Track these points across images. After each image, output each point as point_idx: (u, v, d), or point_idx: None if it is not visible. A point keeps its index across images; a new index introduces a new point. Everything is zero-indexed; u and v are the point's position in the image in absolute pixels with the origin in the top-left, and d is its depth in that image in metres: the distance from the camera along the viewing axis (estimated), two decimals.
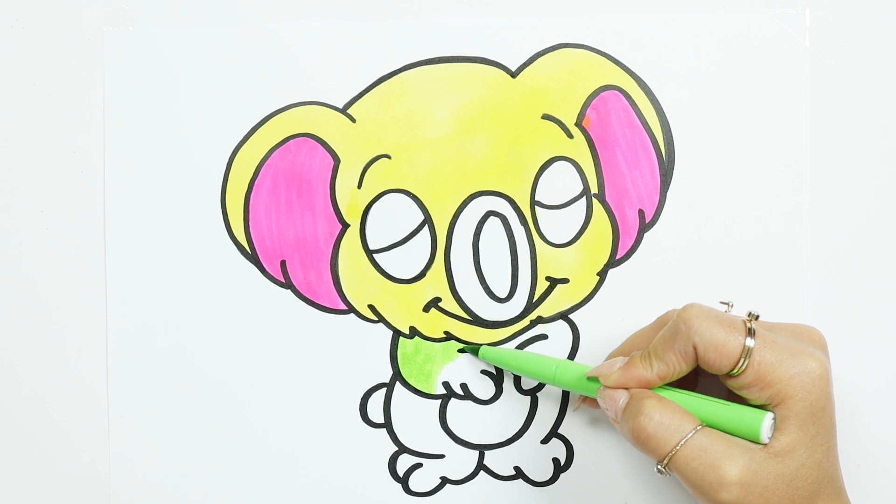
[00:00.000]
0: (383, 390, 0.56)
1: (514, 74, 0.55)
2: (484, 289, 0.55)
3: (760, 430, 0.45)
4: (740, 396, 0.47)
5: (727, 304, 0.49)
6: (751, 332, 0.45)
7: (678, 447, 0.45)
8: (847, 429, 0.53)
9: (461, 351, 0.55)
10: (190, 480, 0.56)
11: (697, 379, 0.51)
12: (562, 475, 0.56)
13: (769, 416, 0.45)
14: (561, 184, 0.55)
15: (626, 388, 0.48)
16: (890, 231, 0.55)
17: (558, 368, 0.52)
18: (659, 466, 0.46)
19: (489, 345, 0.55)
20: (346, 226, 0.56)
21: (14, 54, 0.56)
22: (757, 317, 0.46)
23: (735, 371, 0.45)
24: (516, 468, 0.56)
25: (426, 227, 0.55)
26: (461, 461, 0.56)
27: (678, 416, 0.46)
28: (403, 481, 0.56)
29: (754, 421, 0.45)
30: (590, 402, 0.53)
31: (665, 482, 0.55)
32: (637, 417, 0.46)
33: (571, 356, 0.55)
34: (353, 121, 0.56)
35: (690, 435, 0.45)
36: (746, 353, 0.45)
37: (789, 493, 0.45)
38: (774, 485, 0.44)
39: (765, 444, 0.45)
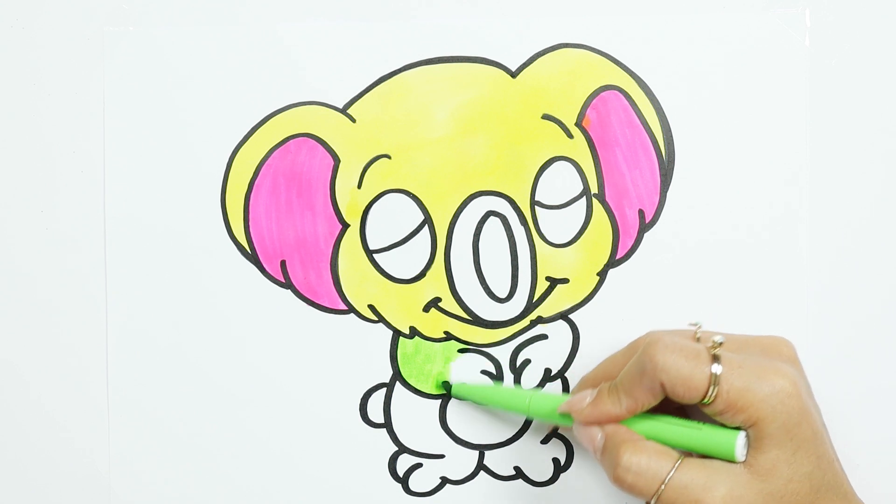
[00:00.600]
0: (383, 390, 0.56)
1: (514, 74, 0.55)
2: (484, 289, 0.55)
3: (735, 451, 0.45)
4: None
5: (696, 325, 0.49)
6: (716, 359, 0.45)
7: (660, 491, 0.45)
8: (846, 431, 0.53)
9: (461, 351, 0.55)
10: (190, 480, 0.56)
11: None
12: (562, 475, 0.56)
13: (741, 434, 0.45)
14: (561, 184, 0.55)
15: (599, 424, 0.48)
16: (890, 231, 0.55)
17: (532, 400, 0.52)
18: None
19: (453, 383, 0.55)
20: (346, 226, 0.56)
21: (14, 54, 0.56)
22: (720, 344, 0.46)
23: (705, 401, 0.45)
24: (516, 468, 0.56)
25: (426, 227, 0.55)
26: (461, 461, 0.56)
27: (655, 458, 0.46)
28: (403, 481, 0.56)
29: (727, 442, 0.45)
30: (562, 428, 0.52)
31: None
32: (615, 469, 0.46)
33: (571, 356, 0.55)
34: (353, 121, 0.56)
35: (669, 476, 0.45)
36: (714, 381, 0.45)
37: None
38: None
39: (743, 463, 0.45)
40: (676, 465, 0.45)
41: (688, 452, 0.47)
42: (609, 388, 0.48)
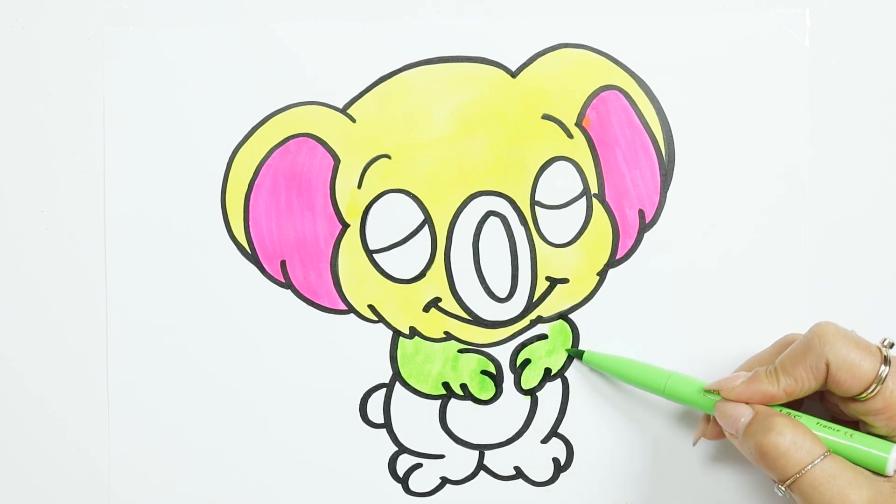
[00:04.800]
0: (383, 390, 0.56)
1: (514, 74, 0.55)
2: (484, 289, 0.55)
3: (887, 463, 0.45)
4: (858, 423, 0.46)
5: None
6: (885, 360, 0.45)
7: (807, 469, 0.44)
8: None
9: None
10: (190, 480, 0.56)
11: (803, 402, 0.50)
12: (562, 475, 0.56)
13: (895, 448, 0.45)
14: (561, 184, 0.55)
15: (749, 403, 0.47)
16: (890, 230, 0.55)
17: (669, 380, 0.51)
18: (779, 486, 0.45)
19: (577, 349, 0.55)
20: (346, 226, 0.56)
21: (14, 54, 0.56)
22: (892, 344, 0.46)
23: (864, 395, 0.45)
24: (516, 468, 0.56)
25: (426, 227, 0.55)
26: (461, 461, 0.56)
27: (809, 439, 0.45)
28: (403, 481, 0.56)
29: (881, 452, 0.45)
30: (711, 433, 0.51)
31: (664, 483, 0.55)
32: (768, 433, 0.45)
33: (571, 356, 0.55)
34: (353, 121, 0.56)
35: (820, 459, 0.44)
36: (879, 378, 0.45)
37: None
38: None
39: (889, 477, 0.45)
40: (826, 453, 0.45)
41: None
42: (767, 370, 0.47)
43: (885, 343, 0.46)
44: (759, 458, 0.46)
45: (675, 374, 0.51)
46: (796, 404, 0.49)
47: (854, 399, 0.45)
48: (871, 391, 0.45)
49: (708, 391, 0.49)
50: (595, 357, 0.54)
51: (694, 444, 0.54)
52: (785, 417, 0.46)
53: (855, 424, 0.47)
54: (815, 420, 0.47)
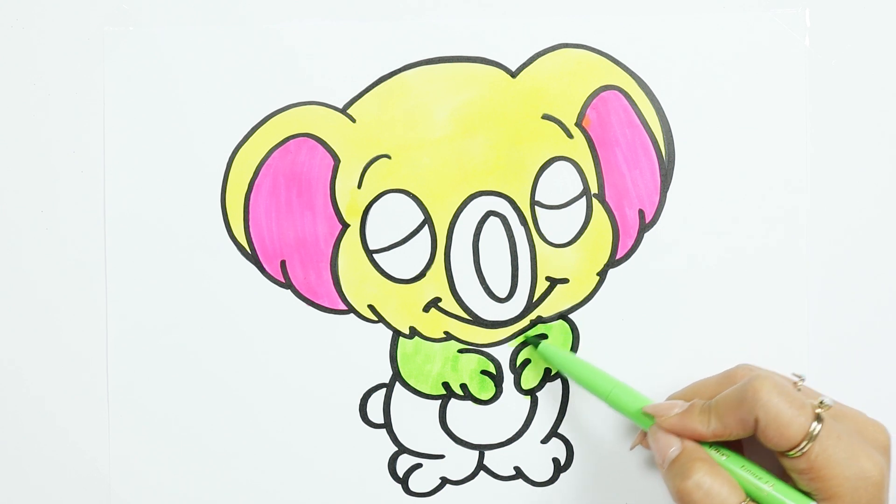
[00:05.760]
0: (383, 390, 0.56)
1: (514, 74, 0.55)
2: (484, 289, 0.55)
3: None
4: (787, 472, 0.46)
5: (799, 377, 0.48)
6: (818, 419, 0.45)
7: None
8: None
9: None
10: (190, 480, 0.56)
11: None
12: (562, 475, 0.56)
13: None
14: (561, 184, 0.55)
15: (680, 435, 0.48)
16: (891, 230, 0.55)
17: (615, 389, 0.51)
18: None
19: (542, 341, 0.55)
20: (346, 226, 0.56)
21: (14, 54, 0.56)
22: (829, 406, 0.45)
23: (791, 454, 0.45)
24: (516, 468, 0.56)
25: (426, 227, 0.55)
26: (461, 461, 0.56)
27: (726, 488, 0.45)
28: (403, 481, 0.56)
29: None
30: (647, 443, 0.52)
31: (664, 483, 0.55)
32: (685, 480, 0.46)
33: None
34: (353, 121, 0.56)
35: None
36: (809, 437, 0.44)
37: None
38: None
39: None
40: (742, 503, 0.45)
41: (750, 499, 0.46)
42: (702, 406, 0.48)
43: (823, 406, 0.45)
44: (677, 500, 0.46)
45: (621, 385, 0.51)
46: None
47: (782, 454, 0.45)
48: (799, 450, 0.45)
49: (646, 413, 0.50)
50: (548, 350, 0.54)
51: (631, 449, 0.54)
52: (706, 463, 0.46)
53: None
54: (742, 461, 0.47)
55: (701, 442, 0.48)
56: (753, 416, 0.45)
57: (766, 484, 0.46)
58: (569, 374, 0.54)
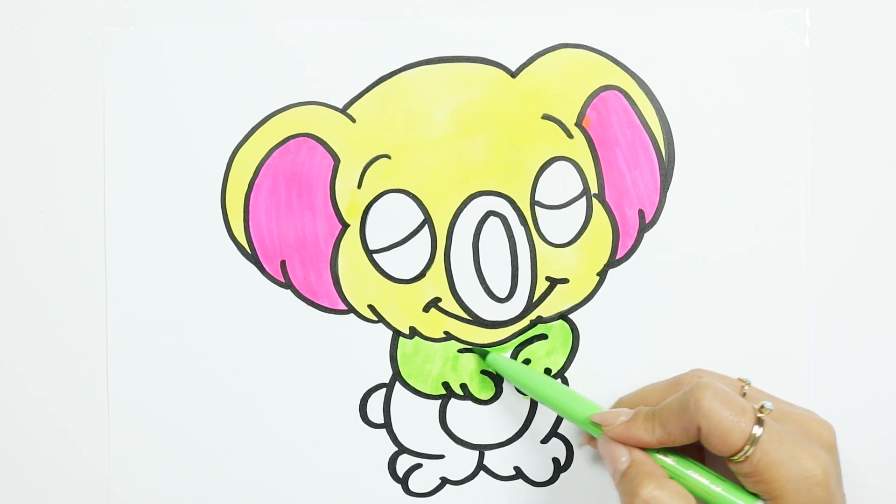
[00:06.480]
0: (383, 390, 0.56)
1: (514, 74, 0.55)
2: (484, 289, 0.55)
3: None
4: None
5: (744, 382, 0.49)
6: (760, 422, 0.45)
7: None
8: (847, 435, 0.52)
9: (461, 351, 0.55)
10: (190, 480, 0.56)
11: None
12: (562, 475, 0.56)
13: None
14: (561, 184, 0.55)
15: (626, 444, 0.48)
16: (891, 230, 0.55)
17: (564, 398, 0.51)
18: None
19: (491, 349, 0.55)
20: (346, 226, 0.56)
21: (14, 54, 0.56)
22: (770, 411, 0.46)
23: (735, 458, 0.45)
24: (516, 468, 0.56)
25: (426, 227, 0.55)
26: (461, 461, 0.56)
27: (675, 499, 0.45)
28: (403, 482, 0.56)
29: None
30: (594, 442, 0.52)
31: None
32: (633, 498, 0.46)
33: (571, 356, 0.55)
34: (353, 121, 0.56)
35: None
36: (750, 442, 0.45)
37: None
38: None
39: None
40: None
41: (702, 501, 0.47)
42: (646, 414, 0.48)
43: (764, 410, 0.45)
44: None
45: (570, 392, 0.52)
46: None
47: (727, 459, 0.46)
48: (742, 455, 0.45)
49: (594, 422, 0.50)
50: (496, 361, 0.54)
51: (579, 447, 0.54)
52: (653, 477, 0.46)
53: None
54: (691, 466, 0.47)
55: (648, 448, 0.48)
56: (696, 423, 0.45)
57: (716, 487, 0.46)
58: (517, 384, 0.54)
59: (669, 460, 0.48)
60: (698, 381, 0.47)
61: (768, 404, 0.46)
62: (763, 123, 0.55)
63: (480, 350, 0.55)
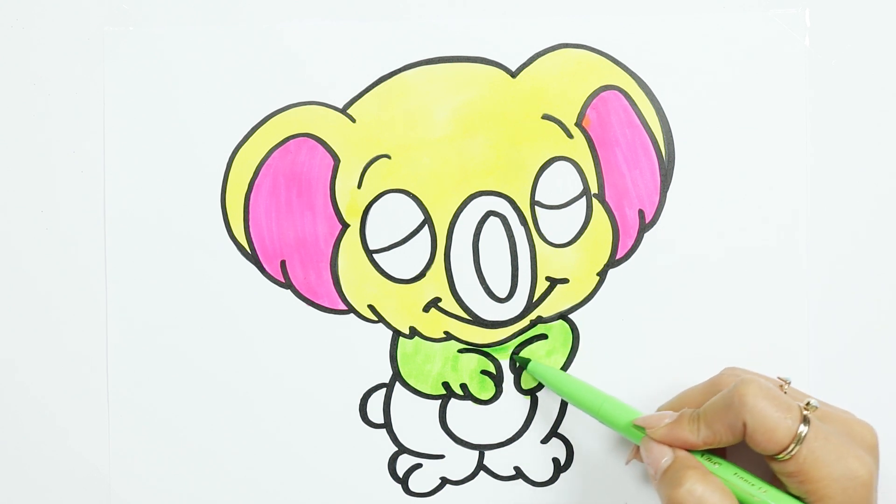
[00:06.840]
0: (383, 390, 0.56)
1: (514, 74, 0.55)
2: (484, 289, 0.55)
3: None
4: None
5: (784, 381, 0.48)
6: (805, 421, 0.45)
7: None
8: None
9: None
10: (190, 480, 0.56)
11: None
12: (562, 475, 0.56)
13: None
14: (561, 184, 0.55)
15: (671, 446, 0.48)
16: (891, 230, 0.55)
17: (605, 404, 0.51)
18: None
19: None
20: (346, 226, 0.56)
21: (14, 54, 0.56)
22: (816, 407, 0.45)
23: (780, 457, 0.45)
24: (516, 468, 0.56)
25: (426, 227, 0.55)
26: (461, 461, 0.56)
27: (718, 495, 0.45)
28: (403, 482, 0.56)
29: None
30: (640, 457, 0.52)
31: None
32: (677, 488, 0.45)
33: (571, 356, 0.55)
34: (353, 121, 0.56)
35: None
36: (797, 440, 0.44)
37: None
38: None
39: None
40: None
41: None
42: (691, 415, 0.48)
43: (810, 407, 0.45)
44: None
45: (611, 399, 0.51)
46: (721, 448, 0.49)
47: (772, 458, 0.45)
48: (787, 453, 0.44)
49: (636, 426, 0.50)
50: (538, 369, 0.54)
51: (627, 464, 0.54)
52: (698, 471, 0.46)
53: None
54: (734, 469, 0.47)
55: (693, 451, 0.48)
56: (741, 420, 0.45)
57: (758, 490, 0.46)
58: (558, 392, 0.54)
59: (713, 464, 0.47)
60: (743, 378, 0.46)
61: (814, 401, 0.45)
62: (763, 123, 0.55)
63: (522, 359, 0.55)
